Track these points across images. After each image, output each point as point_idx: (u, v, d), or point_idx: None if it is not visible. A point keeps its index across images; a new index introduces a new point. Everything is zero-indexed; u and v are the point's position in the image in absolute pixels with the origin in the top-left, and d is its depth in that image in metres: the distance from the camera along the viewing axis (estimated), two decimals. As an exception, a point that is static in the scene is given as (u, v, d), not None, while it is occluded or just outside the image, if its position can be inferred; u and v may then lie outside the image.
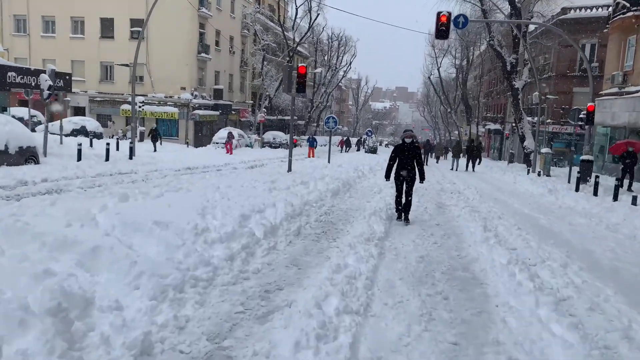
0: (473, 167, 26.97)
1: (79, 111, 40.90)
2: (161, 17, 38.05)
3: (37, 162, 14.67)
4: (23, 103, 40.15)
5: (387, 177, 9.61)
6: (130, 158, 20.44)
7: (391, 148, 43.04)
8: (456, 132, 71.53)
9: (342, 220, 9.01)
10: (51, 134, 31.08)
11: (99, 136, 34.01)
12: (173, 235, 5.48)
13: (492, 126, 58.53)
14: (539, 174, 23.13)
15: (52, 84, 15.83)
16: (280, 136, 44.04)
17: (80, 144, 17.18)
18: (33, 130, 35.35)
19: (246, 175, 13.09)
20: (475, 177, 23.75)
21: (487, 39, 30.00)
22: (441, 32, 18.02)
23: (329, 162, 22.45)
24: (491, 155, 59.73)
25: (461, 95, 63.77)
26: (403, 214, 9.40)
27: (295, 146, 26.90)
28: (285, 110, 57.66)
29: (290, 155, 15.43)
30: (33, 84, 20.05)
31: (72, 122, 34.66)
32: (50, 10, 39.66)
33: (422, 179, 9.58)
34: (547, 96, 32.22)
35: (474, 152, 26.94)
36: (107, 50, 39.15)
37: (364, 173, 18.71)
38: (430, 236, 8.22)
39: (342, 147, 49.56)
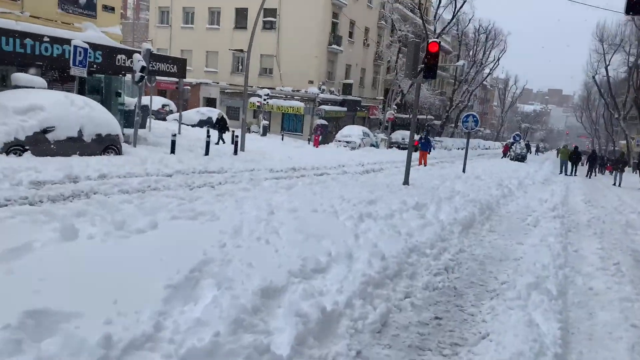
0: (620, 181, 25.52)
1: (210, 102, 41.14)
2: (293, 5, 36.47)
3: (118, 152, 12.89)
4: (162, 93, 41.71)
5: None
6: (235, 153, 18.28)
7: (544, 154, 36.15)
8: (622, 142, 60.47)
9: (474, 290, 5.19)
10: (182, 124, 31.14)
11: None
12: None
13: (675, 137, 47.76)
14: None
15: (144, 65, 14.04)
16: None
17: (174, 135, 15.28)
18: (163, 119, 35.99)
19: (342, 188, 9.74)
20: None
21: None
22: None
23: (463, 171, 18.13)
24: (671, 172, 48.89)
25: (634, 99, 53.33)
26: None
27: (415, 150, 22.05)
28: (421, 108, 53.18)
29: (409, 161, 11.66)
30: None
31: (199, 112, 34.55)
32: (191, 2, 40.23)
33: None
34: None
35: (619, 166, 26.21)
36: (239, 41, 38.52)
37: (511, 190, 14.22)
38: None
39: (504, 154, 43.43)
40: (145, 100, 28.46)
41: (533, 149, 61.90)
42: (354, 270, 4.41)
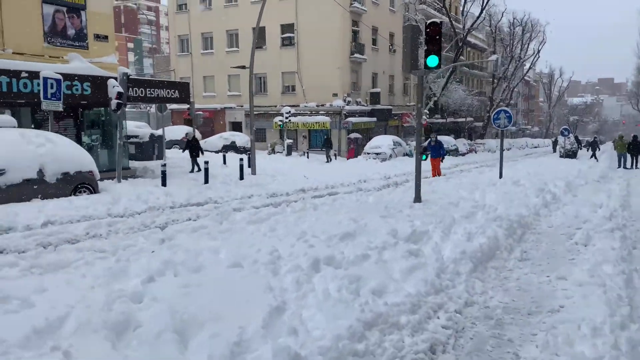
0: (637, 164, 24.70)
1: (236, 126, 40.14)
2: (310, 18, 35.04)
3: (93, 191, 11.46)
4: (189, 121, 41.11)
5: None
6: (241, 178, 16.65)
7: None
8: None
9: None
10: (205, 151, 30.04)
11: (249, 151, 32.14)
12: None
13: None
14: None
15: (121, 91, 12.65)
16: (447, 141, 37.35)
17: (164, 165, 13.84)
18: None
19: (329, 214, 7.76)
20: None
21: None
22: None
23: (500, 176, 15.67)
24: None
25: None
26: None
27: (424, 158, 17.65)
28: (459, 111, 50.32)
29: (419, 173, 9.42)
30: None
31: (222, 137, 33.47)
32: (209, 27, 39.62)
33: None
34: None
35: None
36: (259, 61, 37.37)
37: (556, 196, 11.74)
38: None
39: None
40: (166, 129, 27.64)
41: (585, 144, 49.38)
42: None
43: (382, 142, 31.60)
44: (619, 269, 5.51)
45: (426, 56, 8.66)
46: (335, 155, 32.83)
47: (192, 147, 18.38)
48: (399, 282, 4.46)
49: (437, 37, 8.65)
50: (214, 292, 3.81)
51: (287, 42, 36.87)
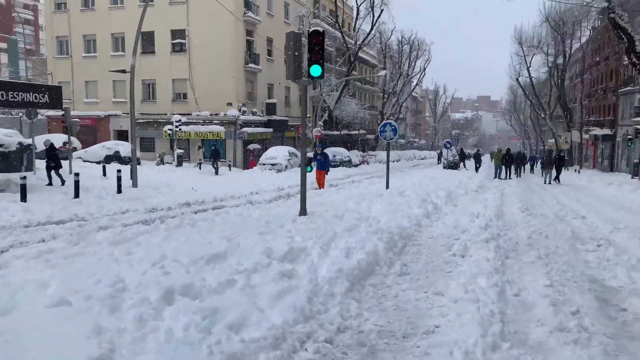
0: (557, 178, 25.50)
1: (122, 135, 37.52)
2: (202, 25, 33.87)
3: None
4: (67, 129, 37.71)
5: None
6: (119, 191, 15.28)
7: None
8: (551, 141, 61.55)
9: None
10: (84, 161, 27.28)
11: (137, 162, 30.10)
12: None
13: (600, 131, 48.55)
14: None
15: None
16: (342, 153, 38.19)
17: (24, 177, 12.22)
18: (66, 158, 32.20)
19: (203, 233, 7.11)
20: (598, 200, 16.20)
21: (607, 11, 22.12)
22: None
23: (387, 187, 15.97)
24: (598, 166, 49.65)
25: (557, 97, 54.29)
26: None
27: (309, 169, 17.65)
28: (352, 124, 51.69)
29: (304, 186, 9.10)
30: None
31: (105, 147, 31.04)
32: (92, 29, 36.81)
33: None
34: None
35: (557, 163, 25.86)
36: (147, 67, 35.38)
37: (438, 206, 12.08)
38: None
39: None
40: (41, 138, 24.84)
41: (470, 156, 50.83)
42: None
43: (278, 153, 31.40)
44: (492, 281, 5.53)
45: (309, 65, 8.41)
46: (229, 166, 31.90)
47: (51, 156, 16.27)
48: (265, 310, 3.96)
49: (320, 46, 8.44)
50: (15, 343, 3.01)
51: (178, 48, 35.38)
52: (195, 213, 11.04)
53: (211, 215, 9.59)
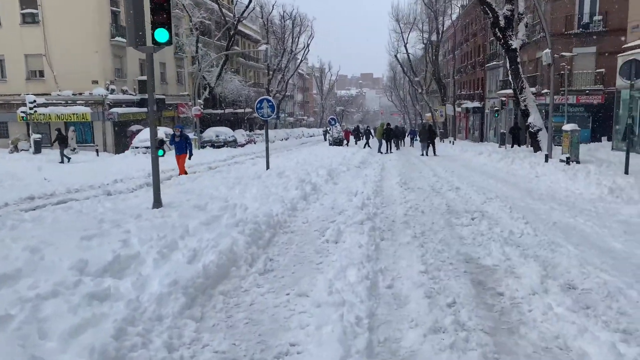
0: (434, 151, 25.86)
1: (-34, 120, 32.40)
2: (57, -7, 29.96)
3: None
4: None
5: None
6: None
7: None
8: (428, 115, 64.92)
9: None
10: None
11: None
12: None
13: (470, 104, 51.95)
14: (567, 161, 16.26)
15: None
16: (225, 133, 36.49)
17: None
18: None
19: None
20: (470, 170, 16.85)
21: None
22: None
23: (267, 168, 15.07)
24: (470, 137, 53.32)
25: (432, 73, 57.05)
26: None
27: (160, 154, 14.37)
28: (237, 102, 49.86)
29: (156, 174, 7.82)
30: None
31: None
32: None
33: None
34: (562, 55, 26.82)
35: (430, 136, 26.24)
36: (-8, 40, 30.63)
37: (317, 186, 11.44)
38: None
39: (347, 140, 38.28)
40: None
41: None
42: None
43: (153, 135, 28.99)
44: (363, 273, 4.86)
45: (153, 29, 7.10)
46: (97, 151, 28.89)
47: None
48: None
49: (165, 5, 7.15)
50: None
51: (30, 20, 31.04)
52: (34, 210, 9.25)
53: (47, 212, 7.95)
